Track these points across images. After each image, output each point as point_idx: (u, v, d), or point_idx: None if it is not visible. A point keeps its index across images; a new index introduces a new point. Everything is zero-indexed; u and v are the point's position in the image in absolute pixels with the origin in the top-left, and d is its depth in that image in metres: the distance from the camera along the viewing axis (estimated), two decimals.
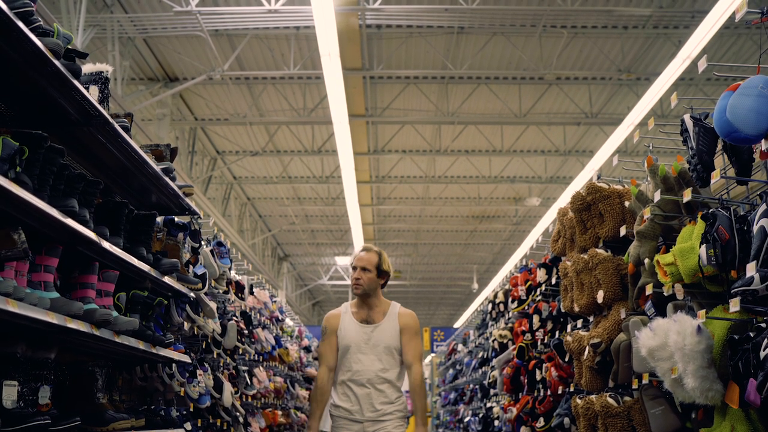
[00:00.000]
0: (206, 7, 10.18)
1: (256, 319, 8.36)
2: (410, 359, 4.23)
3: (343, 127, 11.36)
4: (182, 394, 5.10)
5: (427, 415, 20.54)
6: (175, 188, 4.44)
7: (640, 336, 3.10)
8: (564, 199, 13.67)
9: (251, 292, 8.28)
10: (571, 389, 5.26)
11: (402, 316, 4.28)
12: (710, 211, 2.91)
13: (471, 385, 12.44)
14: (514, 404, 6.97)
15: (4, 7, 2.59)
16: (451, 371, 15.48)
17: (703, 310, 2.98)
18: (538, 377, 6.06)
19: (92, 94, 3.43)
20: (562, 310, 5.10)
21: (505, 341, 7.54)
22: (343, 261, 24.73)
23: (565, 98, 13.42)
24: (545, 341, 6.09)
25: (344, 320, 4.26)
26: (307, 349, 13.34)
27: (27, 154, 2.79)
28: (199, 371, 5.37)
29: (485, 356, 10.18)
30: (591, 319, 4.63)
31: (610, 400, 3.88)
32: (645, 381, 3.61)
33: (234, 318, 6.72)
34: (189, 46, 11.59)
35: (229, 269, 6.20)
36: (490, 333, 9.28)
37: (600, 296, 4.18)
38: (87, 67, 3.63)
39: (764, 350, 2.46)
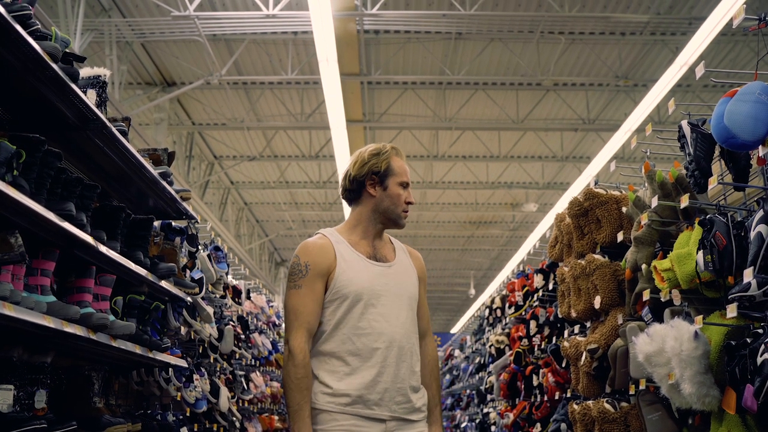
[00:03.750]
0: (204, 11, 10.18)
1: (252, 324, 8.35)
2: (425, 324, 2.88)
3: (340, 132, 11.36)
4: (179, 398, 5.09)
5: None
6: (173, 192, 4.44)
7: (637, 341, 3.10)
8: (561, 205, 13.67)
9: (248, 297, 8.27)
10: (568, 395, 5.25)
11: (415, 257, 2.91)
12: (707, 216, 2.91)
13: (468, 391, 12.44)
14: (510, 410, 6.96)
15: (3, 10, 2.59)
16: (447, 377, 15.47)
17: (700, 316, 2.98)
18: (535, 383, 6.06)
19: (90, 97, 3.43)
20: (559, 316, 5.10)
21: (502, 347, 7.54)
22: None
23: (563, 104, 13.45)
24: (542, 347, 6.09)
25: (342, 254, 2.70)
26: None
27: (24, 158, 2.79)
28: (195, 376, 5.36)
29: (482, 362, 10.18)
30: (588, 324, 4.63)
31: (607, 406, 3.88)
32: (642, 387, 3.61)
33: (231, 323, 6.72)
34: (187, 50, 11.60)
35: (226, 274, 6.20)
36: (487, 338, 9.28)
37: (597, 302, 4.18)
38: (85, 71, 3.63)
39: (761, 356, 2.46)
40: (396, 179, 2.78)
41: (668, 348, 2.86)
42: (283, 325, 11.77)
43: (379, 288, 2.67)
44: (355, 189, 2.80)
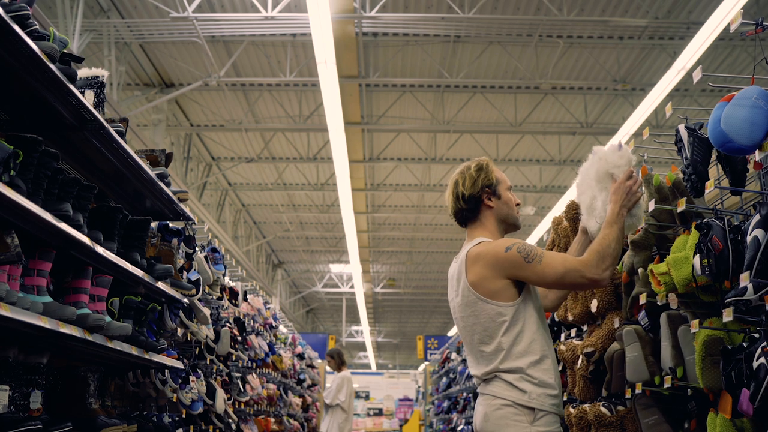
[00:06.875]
0: (203, 13, 10.19)
1: (249, 326, 8.34)
2: None
3: (338, 134, 11.37)
4: (175, 400, 5.08)
5: (420, 423, 20.21)
6: (170, 194, 4.43)
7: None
8: (559, 208, 13.68)
9: (245, 299, 8.26)
10: (565, 398, 5.25)
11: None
12: (704, 221, 2.92)
13: (464, 394, 12.43)
14: None
15: (1, 10, 2.59)
16: (444, 380, 15.45)
17: (697, 320, 2.98)
18: None
19: (88, 98, 3.42)
20: (556, 319, 5.10)
21: None
22: (337, 268, 24.68)
23: (561, 108, 13.46)
24: None
25: None
26: (301, 356, 13.31)
27: (21, 158, 2.79)
28: (191, 377, 5.35)
29: None
30: (584, 328, 4.63)
31: (604, 410, 3.88)
32: (638, 390, 3.61)
33: (227, 324, 6.71)
34: (185, 51, 11.60)
35: (223, 275, 6.19)
36: None
37: (594, 305, 4.18)
38: (83, 72, 3.63)
39: (756, 360, 2.46)
40: (503, 186, 2.95)
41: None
42: (281, 328, 11.78)
43: None
44: (472, 207, 2.90)
